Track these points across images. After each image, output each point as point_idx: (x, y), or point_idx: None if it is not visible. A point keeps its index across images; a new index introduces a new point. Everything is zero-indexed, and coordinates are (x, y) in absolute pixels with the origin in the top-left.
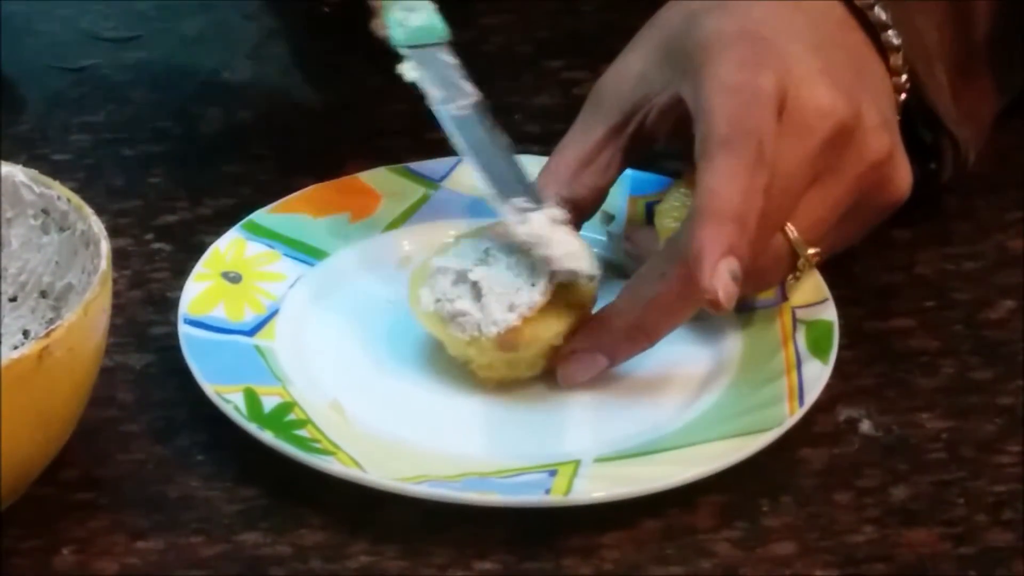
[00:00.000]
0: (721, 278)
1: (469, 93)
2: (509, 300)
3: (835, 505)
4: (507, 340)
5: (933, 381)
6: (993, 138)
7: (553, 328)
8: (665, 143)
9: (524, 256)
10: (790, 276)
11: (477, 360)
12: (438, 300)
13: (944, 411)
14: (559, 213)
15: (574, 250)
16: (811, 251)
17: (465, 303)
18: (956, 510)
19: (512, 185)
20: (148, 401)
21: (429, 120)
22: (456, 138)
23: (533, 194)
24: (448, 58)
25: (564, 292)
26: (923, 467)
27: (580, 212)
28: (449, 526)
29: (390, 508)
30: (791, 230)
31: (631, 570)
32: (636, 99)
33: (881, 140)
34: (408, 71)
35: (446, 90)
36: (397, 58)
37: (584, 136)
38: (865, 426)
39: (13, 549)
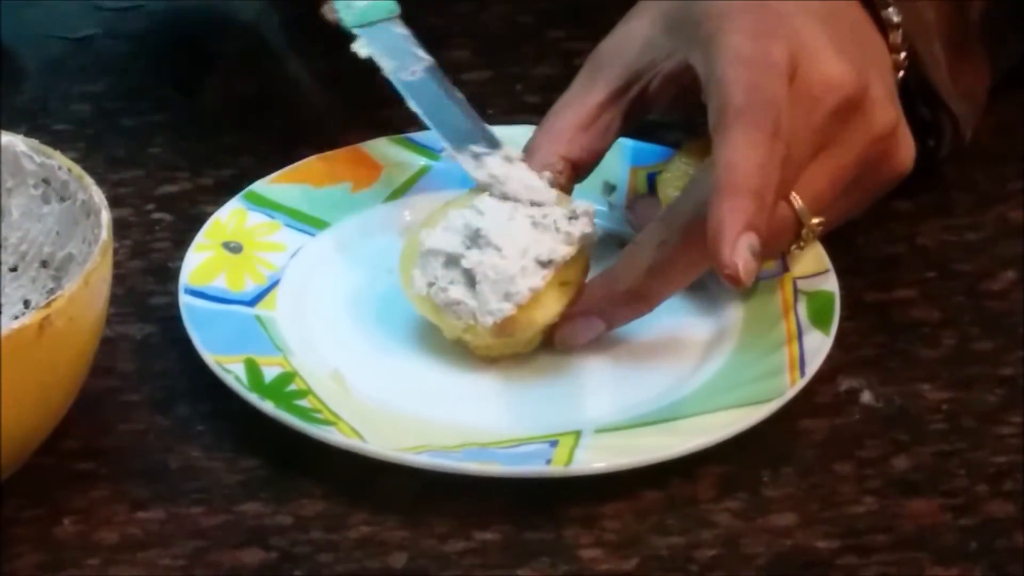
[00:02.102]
0: (741, 254)
1: (422, 58)
2: (504, 288)
3: (836, 476)
4: (504, 328)
5: (934, 352)
6: (994, 109)
7: (550, 311)
8: (663, 112)
9: (517, 239)
10: (794, 246)
11: (474, 343)
12: (431, 284)
13: (945, 382)
14: (514, 152)
15: (533, 184)
16: (815, 221)
17: (459, 291)
18: (957, 481)
19: (468, 135)
20: (149, 371)
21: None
22: (411, 101)
23: (490, 140)
24: (400, 30)
25: (557, 272)
26: (924, 438)
27: (577, 173)
28: (449, 496)
29: (391, 478)
30: (796, 199)
31: (632, 540)
32: (640, 65)
33: (887, 113)
34: (360, 48)
35: (398, 59)
36: (351, 39)
37: (584, 98)
38: (866, 397)
39: (14, 519)
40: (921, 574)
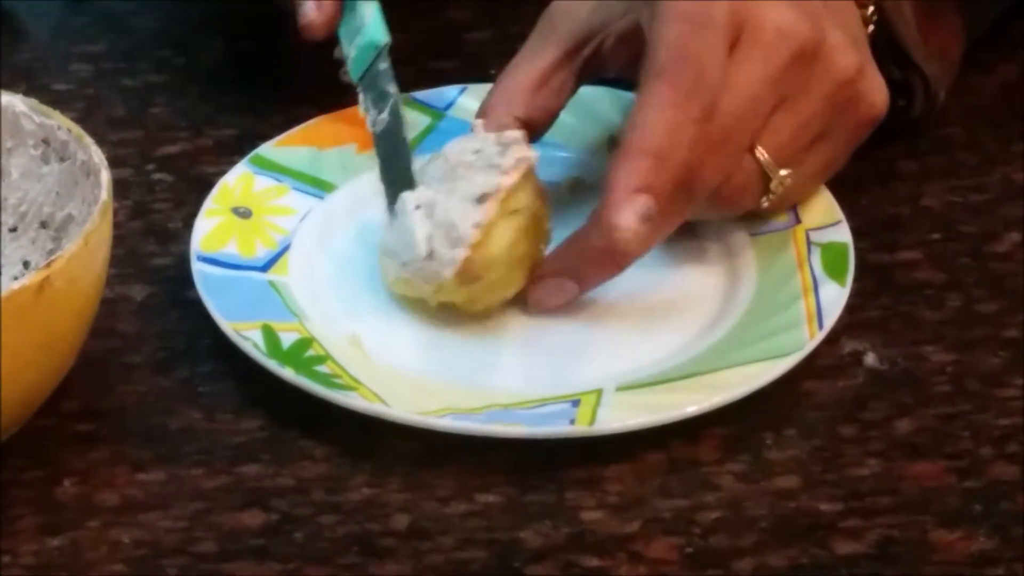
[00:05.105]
0: (626, 216)
1: (389, 97)
2: (450, 236)
3: (839, 438)
4: (466, 273)
5: (938, 314)
6: (998, 70)
7: (504, 240)
8: (620, 72)
9: (451, 185)
10: (763, 198)
11: (458, 302)
12: (403, 264)
13: (949, 344)
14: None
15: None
16: (783, 172)
17: (416, 253)
18: (961, 443)
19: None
20: (149, 332)
21: (433, 49)
22: (376, 155)
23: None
24: (383, 65)
25: (502, 203)
26: (928, 400)
27: (533, 132)
28: (451, 458)
29: (392, 440)
30: (761, 152)
31: (634, 502)
32: (593, 24)
33: (848, 57)
34: (360, 108)
35: (377, 108)
36: None
37: (537, 58)
38: (870, 359)
39: (14, 480)
40: (924, 536)
